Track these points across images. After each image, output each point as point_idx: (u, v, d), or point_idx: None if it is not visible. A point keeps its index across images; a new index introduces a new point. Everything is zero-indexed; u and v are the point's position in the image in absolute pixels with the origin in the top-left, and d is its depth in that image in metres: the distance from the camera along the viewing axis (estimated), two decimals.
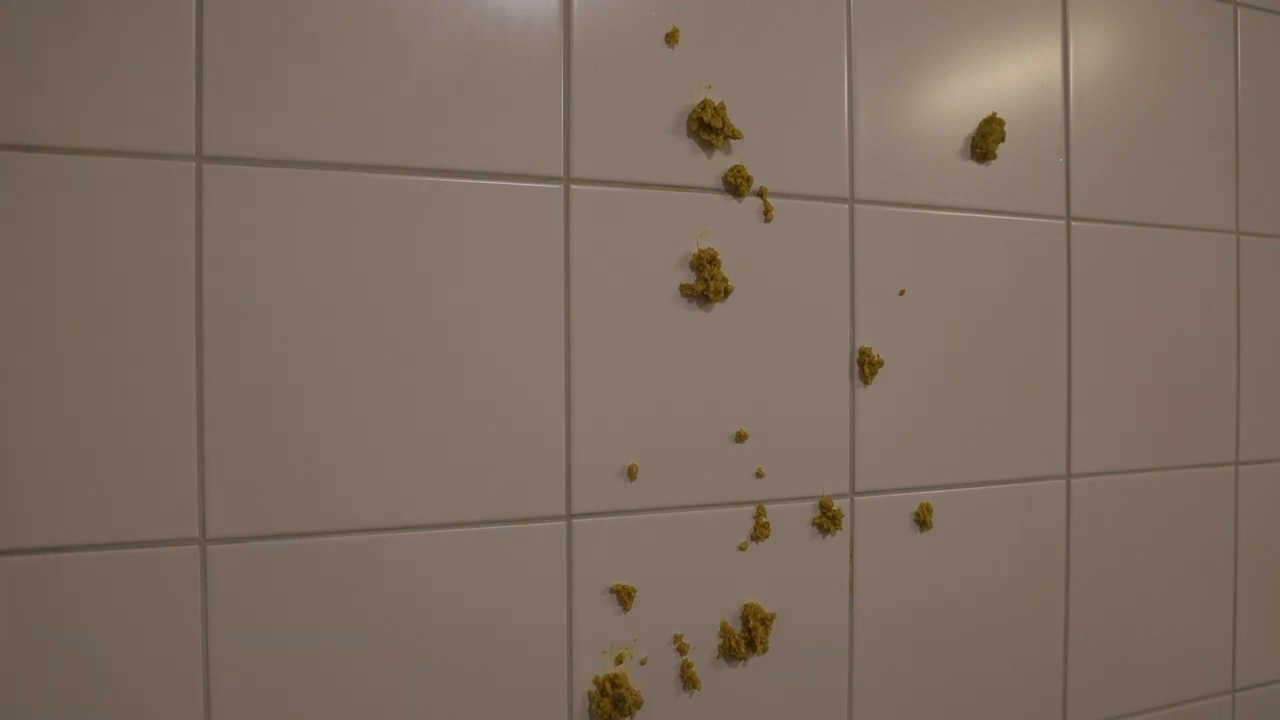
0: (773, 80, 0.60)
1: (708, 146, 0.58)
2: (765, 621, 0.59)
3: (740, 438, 0.59)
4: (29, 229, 0.45)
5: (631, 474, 0.57)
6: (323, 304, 0.50)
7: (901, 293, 0.64)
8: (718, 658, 0.59)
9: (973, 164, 0.66)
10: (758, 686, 0.60)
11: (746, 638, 0.59)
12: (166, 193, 0.47)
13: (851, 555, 0.63)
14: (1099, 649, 0.72)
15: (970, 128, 0.66)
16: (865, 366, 0.62)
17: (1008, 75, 0.68)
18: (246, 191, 0.48)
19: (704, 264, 0.57)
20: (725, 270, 0.58)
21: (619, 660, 0.57)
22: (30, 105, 0.44)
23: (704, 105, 0.57)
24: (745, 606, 0.60)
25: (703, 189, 0.58)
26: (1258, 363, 0.78)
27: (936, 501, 0.65)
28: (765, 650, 0.60)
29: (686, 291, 0.58)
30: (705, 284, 0.57)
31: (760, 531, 0.60)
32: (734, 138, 0.58)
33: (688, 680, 0.58)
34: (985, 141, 0.66)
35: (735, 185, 0.58)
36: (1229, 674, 0.79)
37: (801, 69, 0.61)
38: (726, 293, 0.58)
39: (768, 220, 0.60)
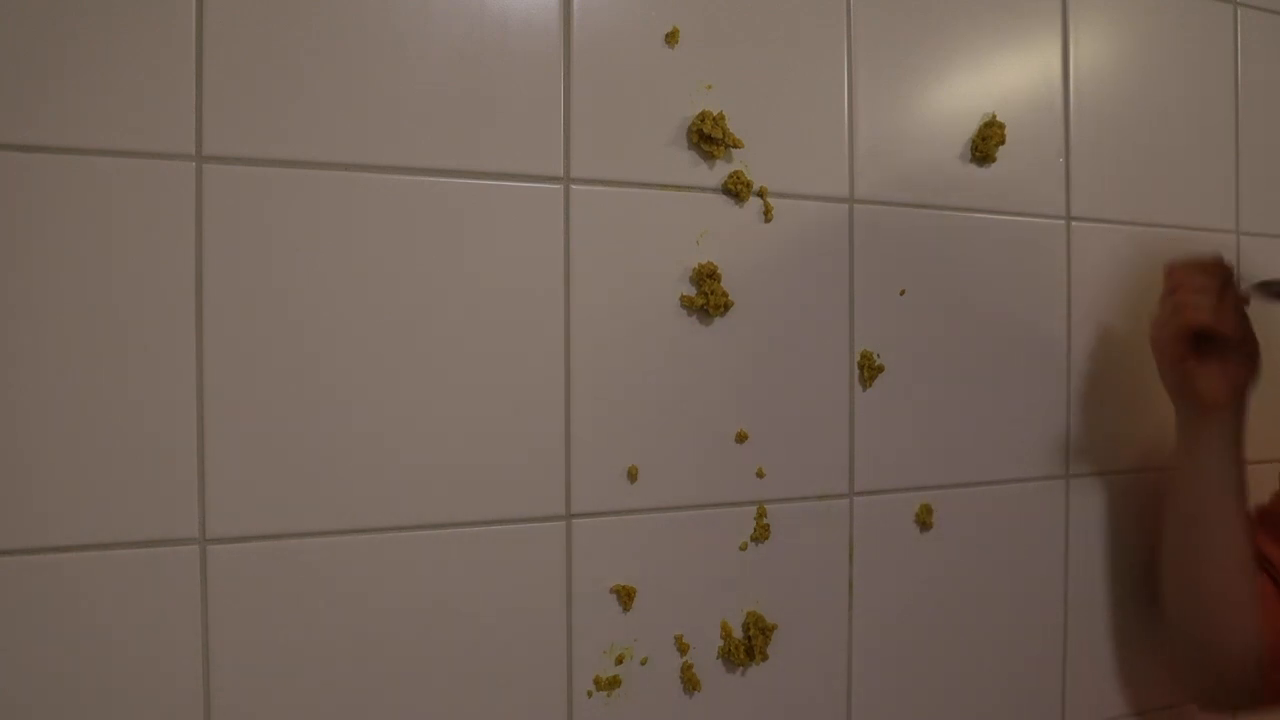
0: (773, 81, 0.60)
1: (709, 157, 0.58)
2: (765, 631, 0.59)
3: (740, 438, 0.59)
4: (27, 229, 0.45)
5: (631, 475, 0.57)
6: (322, 303, 0.50)
7: (902, 293, 0.64)
8: (718, 659, 0.59)
9: (973, 167, 0.66)
10: (758, 689, 0.60)
11: (746, 645, 0.59)
12: (166, 193, 0.47)
13: (851, 555, 0.63)
14: (1098, 649, 0.72)
15: (970, 130, 0.66)
16: (865, 370, 0.63)
17: (1008, 76, 0.68)
18: (246, 191, 0.48)
19: (704, 278, 0.57)
20: (725, 275, 0.58)
21: (619, 660, 0.57)
22: (30, 105, 0.44)
23: (703, 117, 0.57)
24: (747, 614, 0.60)
25: (703, 189, 0.58)
26: None
27: (936, 501, 0.65)
28: (765, 659, 0.60)
29: (687, 303, 0.58)
30: (705, 299, 0.57)
31: (760, 532, 0.60)
32: (735, 146, 0.58)
33: (688, 681, 0.58)
34: (985, 145, 0.65)
35: (736, 191, 0.58)
36: None
37: (801, 70, 0.61)
38: (726, 307, 0.58)
39: (768, 220, 0.60)
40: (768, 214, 0.60)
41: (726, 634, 0.59)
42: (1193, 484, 0.66)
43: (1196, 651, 0.66)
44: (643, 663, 0.57)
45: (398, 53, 0.51)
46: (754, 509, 0.60)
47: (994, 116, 0.66)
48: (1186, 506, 0.66)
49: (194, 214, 0.47)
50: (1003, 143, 0.66)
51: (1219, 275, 0.62)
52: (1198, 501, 0.65)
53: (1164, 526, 0.68)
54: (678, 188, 0.58)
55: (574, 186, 0.55)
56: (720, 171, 0.59)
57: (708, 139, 0.57)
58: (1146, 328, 0.67)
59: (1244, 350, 0.63)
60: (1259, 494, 0.68)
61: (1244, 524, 0.64)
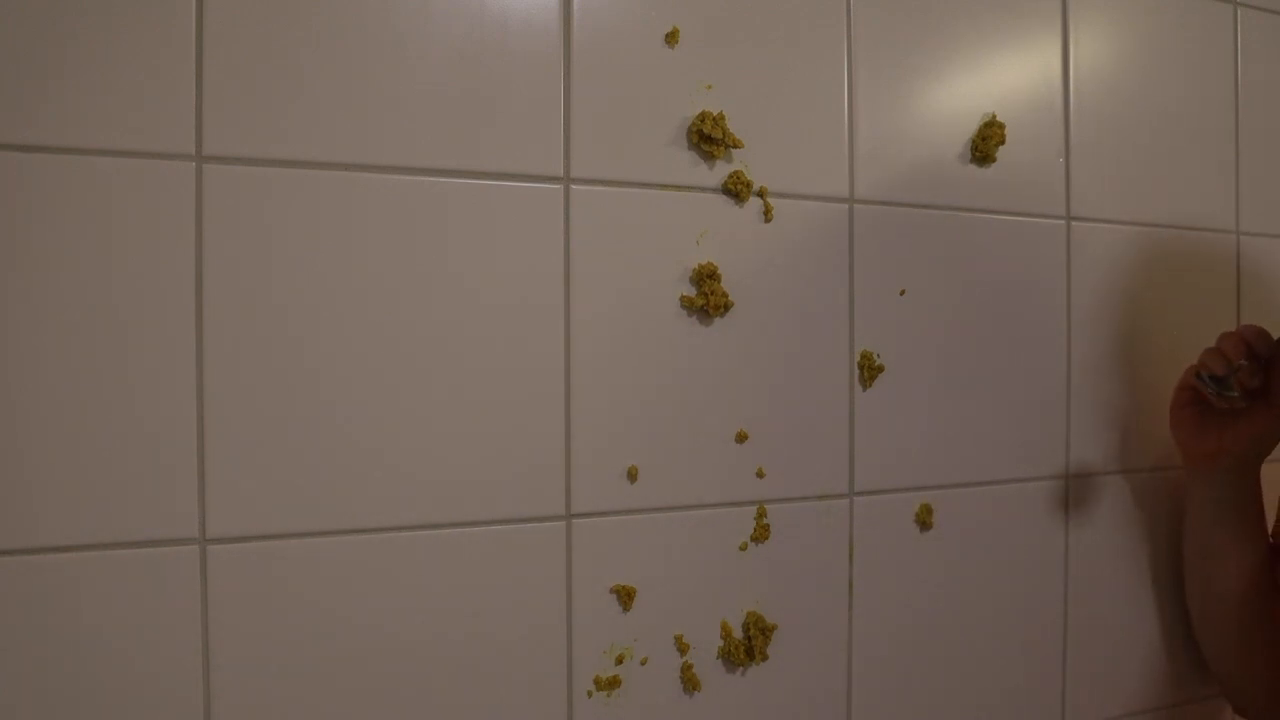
0: (773, 81, 0.60)
1: (709, 157, 0.58)
2: (765, 631, 0.59)
3: (740, 438, 0.59)
4: (27, 229, 0.45)
5: (631, 475, 0.57)
6: (322, 303, 0.50)
7: (902, 293, 0.64)
8: (718, 659, 0.59)
9: (973, 167, 0.66)
10: (758, 689, 0.60)
11: (746, 645, 0.59)
12: (166, 193, 0.47)
13: (851, 555, 0.63)
14: (1098, 649, 0.72)
15: (970, 130, 0.66)
16: (865, 371, 0.63)
17: (1007, 76, 0.68)
18: (246, 191, 0.48)
19: (704, 279, 0.57)
20: (725, 276, 0.58)
21: (619, 660, 0.57)
22: (30, 105, 0.44)
23: (703, 117, 0.57)
24: (747, 615, 0.60)
25: (703, 189, 0.58)
26: None
27: (936, 501, 0.65)
28: (765, 659, 0.60)
29: (687, 304, 0.58)
30: (705, 299, 0.57)
31: (760, 532, 0.60)
32: (735, 147, 0.58)
33: (688, 682, 0.58)
34: (985, 145, 0.66)
35: (736, 191, 0.58)
36: None
37: (801, 70, 0.61)
38: (726, 308, 0.58)
39: (768, 220, 0.60)
40: (768, 214, 0.60)
41: (726, 634, 0.59)
42: (1194, 521, 0.70)
43: (1216, 676, 0.71)
44: (643, 663, 0.57)
45: (398, 53, 0.51)
46: (754, 509, 0.60)
47: (994, 116, 0.66)
48: (1192, 543, 0.71)
49: (194, 214, 0.47)
50: (1003, 143, 0.66)
51: (1242, 343, 0.63)
52: (1199, 540, 0.69)
53: (1183, 553, 0.73)
54: (678, 188, 0.58)
55: (574, 186, 0.55)
56: (720, 171, 0.59)
57: (708, 139, 0.57)
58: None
59: (1250, 416, 0.65)
60: None
61: (1251, 561, 0.66)
